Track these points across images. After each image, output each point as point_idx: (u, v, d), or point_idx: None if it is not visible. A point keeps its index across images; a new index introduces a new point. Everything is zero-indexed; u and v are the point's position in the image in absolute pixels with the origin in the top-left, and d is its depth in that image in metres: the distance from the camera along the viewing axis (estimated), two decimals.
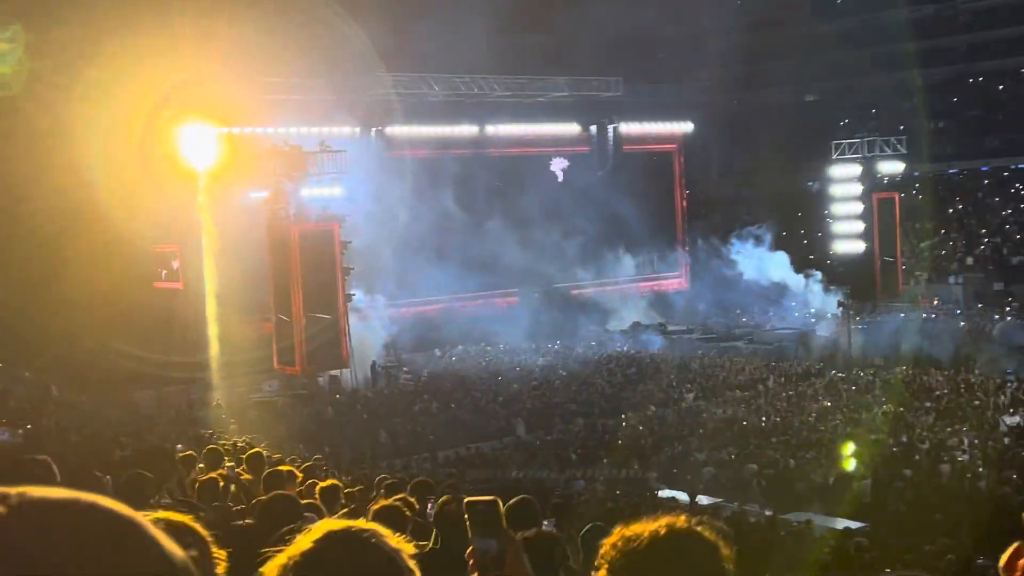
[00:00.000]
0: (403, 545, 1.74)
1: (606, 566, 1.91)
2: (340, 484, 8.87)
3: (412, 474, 18.40)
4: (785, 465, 24.16)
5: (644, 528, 1.91)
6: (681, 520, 1.92)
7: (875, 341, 42.30)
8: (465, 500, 3.35)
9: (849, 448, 22.62)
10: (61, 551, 1.07)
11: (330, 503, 7.04)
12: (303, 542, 1.71)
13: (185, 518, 2.19)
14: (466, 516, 3.06)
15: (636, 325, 49.63)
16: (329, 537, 1.71)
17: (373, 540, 1.70)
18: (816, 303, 51.67)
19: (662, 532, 1.88)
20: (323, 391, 37.33)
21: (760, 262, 54.28)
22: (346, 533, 1.71)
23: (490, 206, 47.56)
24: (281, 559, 1.72)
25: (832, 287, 52.42)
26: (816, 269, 56.02)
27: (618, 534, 1.94)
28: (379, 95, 46.25)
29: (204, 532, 2.09)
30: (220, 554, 2.08)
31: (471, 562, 2.86)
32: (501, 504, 3.30)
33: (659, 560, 1.86)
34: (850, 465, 22.10)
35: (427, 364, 43.03)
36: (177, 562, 1.18)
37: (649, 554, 1.87)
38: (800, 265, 55.33)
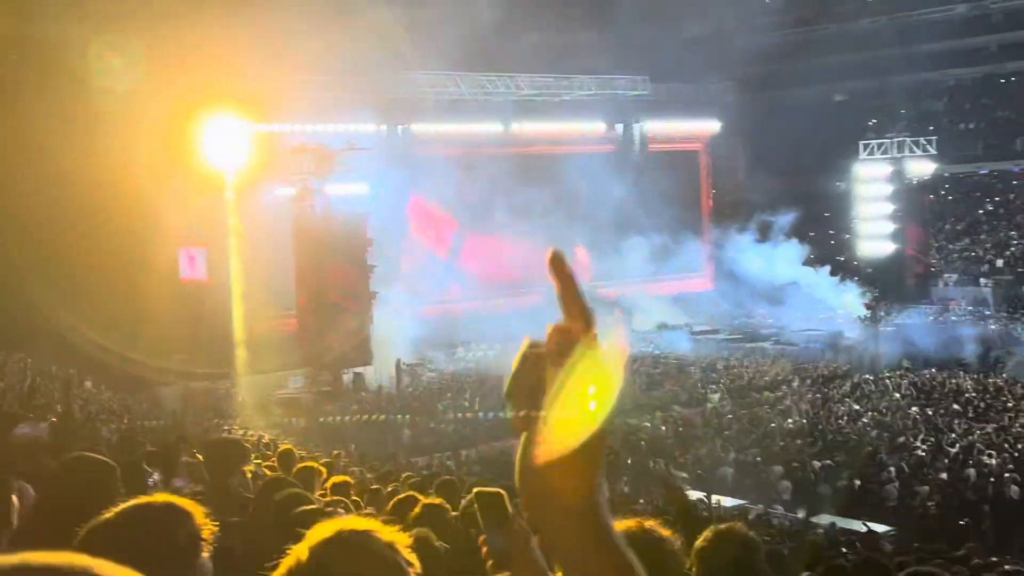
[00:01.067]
0: (397, 537, 1.75)
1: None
2: (351, 480, 8.88)
3: (435, 472, 18.41)
4: (811, 468, 24.00)
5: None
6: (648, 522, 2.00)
7: (903, 343, 41.98)
8: (473, 491, 3.33)
9: None
10: None
11: (339, 497, 7.06)
12: (301, 550, 1.72)
13: (187, 502, 2.31)
14: (475, 507, 3.04)
15: (661, 325, 49.47)
16: (327, 543, 1.71)
17: (367, 539, 1.72)
18: (828, 298, 51.31)
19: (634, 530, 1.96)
20: (348, 388, 37.43)
21: (770, 259, 53.86)
22: (339, 536, 1.72)
23: (516, 204, 47.48)
24: (288, 562, 1.72)
25: (846, 279, 52.19)
26: (842, 270, 55.68)
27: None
28: (405, 92, 46.31)
29: (197, 511, 2.23)
30: (210, 527, 2.21)
31: (484, 552, 2.84)
32: (507, 496, 3.28)
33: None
34: None
35: (451, 362, 43.07)
36: None
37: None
38: (826, 265, 54.94)
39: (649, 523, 2.05)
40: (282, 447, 10.46)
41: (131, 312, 35.03)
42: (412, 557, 1.76)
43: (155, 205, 34.88)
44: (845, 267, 57.15)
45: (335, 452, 19.05)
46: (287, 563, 1.72)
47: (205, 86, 37.61)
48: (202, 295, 39.16)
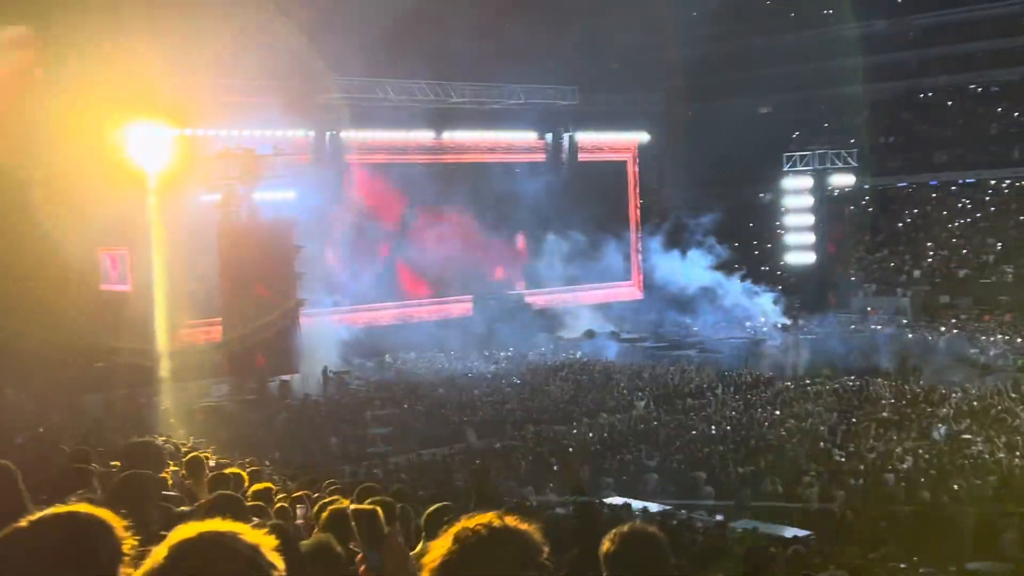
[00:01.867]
0: (263, 539, 1.75)
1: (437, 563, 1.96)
2: (274, 487, 8.83)
3: (360, 480, 18.30)
4: (734, 473, 24.34)
5: (471, 524, 1.97)
6: (504, 519, 1.99)
7: (823, 351, 42.78)
8: (350, 509, 3.36)
9: None
10: None
11: (262, 505, 7.01)
12: (159, 551, 1.71)
13: (99, 510, 2.13)
14: (353, 524, 3.07)
15: (588, 333, 49.79)
16: (183, 544, 1.71)
17: (227, 540, 1.71)
18: (748, 307, 52.20)
19: (472, 532, 1.95)
20: (273, 396, 37.05)
21: (695, 269, 54.56)
22: (199, 538, 1.71)
23: (444, 213, 47.52)
24: (141, 572, 1.71)
25: (767, 288, 53.18)
26: (765, 279, 56.64)
27: (452, 531, 1.99)
28: (333, 99, 46.04)
29: (117, 523, 2.05)
30: (130, 542, 2.05)
31: (361, 569, 2.86)
32: (381, 513, 3.32)
33: (480, 553, 1.91)
34: None
35: (378, 370, 42.89)
36: None
37: (471, 549, 1.93)
38: (748, 274, 55.82)
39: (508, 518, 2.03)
40: (190, 455, 10.30)
41: (50, 317, 34.29)
42: (277, 559, 1.75)
43: (74, 206, 34.16)
44: (768, 276, 58.09)
45: (248, 460, 18.84)
46: (147, 563, 1.70)
47: (126, 87, 36.99)
48: (123, 300, 38.49)
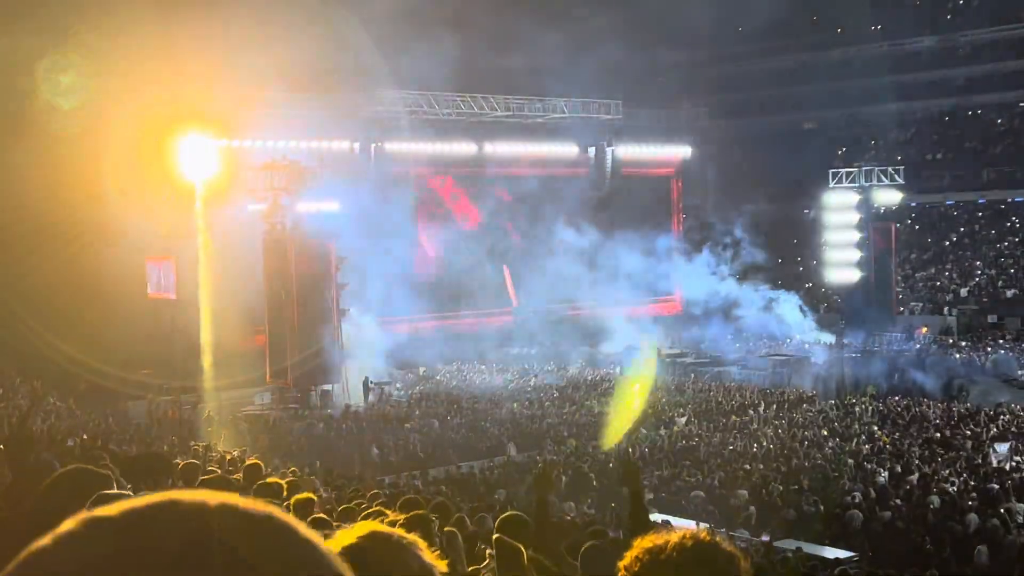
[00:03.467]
0: (438, 562, 1.79)
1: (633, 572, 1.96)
2: (315, 498, 8.85)
3: (401, 491, 18.34)
4: (775, 492, 24.11)
5: (667, 539, 1.97)
6: (703, 533, 1.97)
7: (869, 370, 42.34)
8: (495, 538, 3.38)
9: None
10: None
11: (302, 516, 7.02)
12: (347, 536, 1.75)
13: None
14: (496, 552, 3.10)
15: (629, 347, 49.61)
16: (373, 536, 1.75)
17: (412, 549, 1.75)
18: (792, 324, 51.87)
19: (687, 543, 1.92)
20: (315, 405, 37.25)
21: (738, 284, 54.36)
22: (389, 536, 1.76)
23: (488, 225, 47.64)
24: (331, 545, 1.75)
25: (812, 306, 52.83)
26: (809, 296, 56.24)
27: (640, 547, 1.97)
28: (378, 111, 46.35)
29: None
30: None
31: None
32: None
33: (683, 570, 1.89)
34: None
35: (420, 381, 43.00)
36: None
37: (672, 564, 1.90)
38: (792, 292, 55.47)
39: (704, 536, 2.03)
40: (249, 461, 10.39)
41: (98, 325, 34.80)
42: (440, 564, 1.80)
43: (122, 218, 34.66)
44: (812, 293, 57.65)
45: (292, 468, 18.94)
46: (332, 543, 1.74)
47: (174, 100, 37.50)
48: (170, 309, 38.96)
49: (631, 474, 5.20)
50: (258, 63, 38.30)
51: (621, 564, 1.99)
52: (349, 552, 1.73)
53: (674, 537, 1.95)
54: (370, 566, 1.71)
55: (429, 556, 1.77)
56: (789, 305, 53.53)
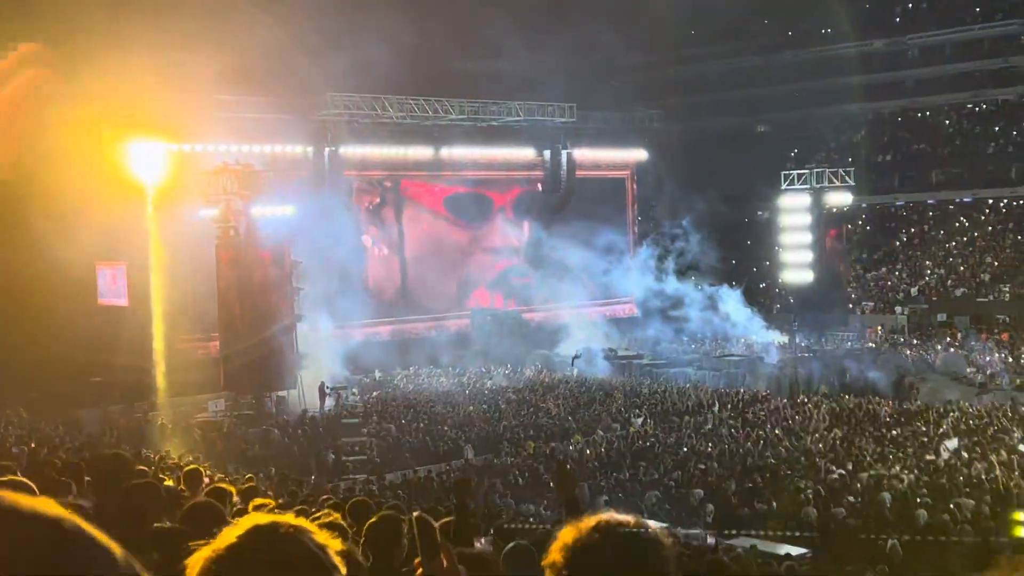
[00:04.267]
0: (330, 541, 1.75)
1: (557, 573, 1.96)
2: (272, 502, 8.79)
3: (357, 496, 18.26)
4: (730, 491, 24.31)
5: (581, 529, 1.96)
6: (616, 517, 1.96)
7: (821, 369, 42.80)
8: (415, 515, 3.38)
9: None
10: None
11: None
12: (229, 535, 1.71)
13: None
14: (415, 532, 3.10)
15: (586, 350, 49.77)
16: (256, 530, 1.71)
17: (299, 535, 1.71)
18: (744, 325, 52.37)
19: (603, 529, 1.92)
20: (270, 411, 36.98)
21: (694, 286, 54.84)
22: (272, 527, 1.71)
23: (444, 228, 47.59)
24: (206, 551, 1.71)
25: (766, 307, 53.42)
26: (764, 298, 56.80)
27: (561, 542, 1.96)
28: (332, 115, 46.15)
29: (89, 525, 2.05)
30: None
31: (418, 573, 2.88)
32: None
33: (609, 551, 1.89)
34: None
35: (376, 386, 42.85)
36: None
37: (596, 551, 1.91)
38: (751, 294, 55.96)
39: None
40: (189, 467, 10.27)
41: (47, 331, 34.31)
42: (340, 563, 1.76)
43: (72, 220, 34.19)
44: (765, 294, 58.18)
45: (247, 475, 18.78)
46: (214, 545, 1.72)
47: (126, 103, 37.08)
48: (121, 315, 38.48)
49: (564, 480, 5.19)
50: (210, 66, 37.98)
51: (545, 563, 1.98)
52: (233, 550, 1.70)
53: (588, 523, 1.95)
54: (256, 562, 1.68)
55: (322, 538, 1.75)
56: (732, 301, 53.97)
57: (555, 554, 1.96)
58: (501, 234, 51.13)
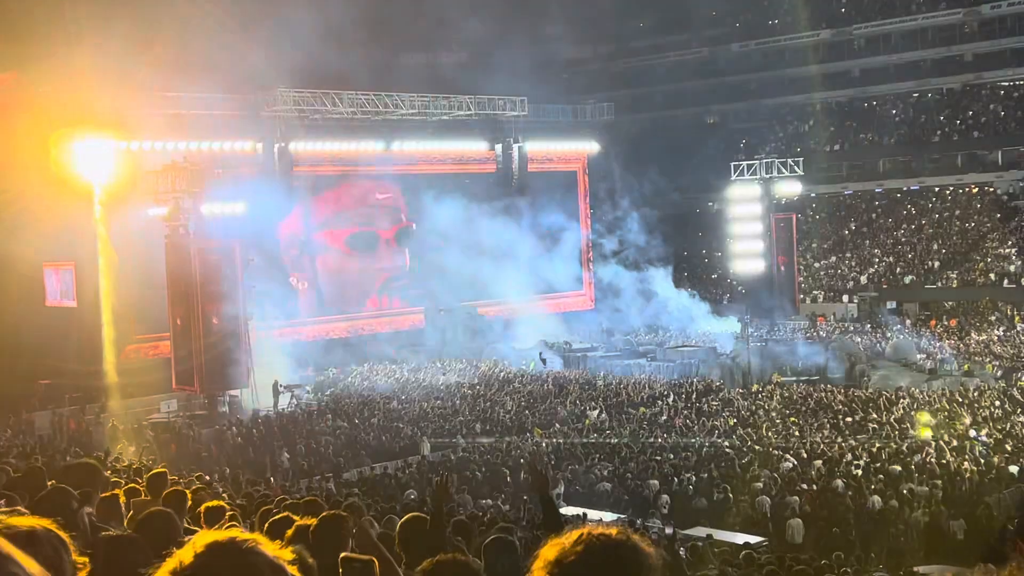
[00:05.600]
0: (283, 553, 1.77)
1: None
2: (226, 505, 8.70)
3: (313, 495, 18.14)
4: (686, 481, 24.48)
5: (565, 542, 1.95)
6: (604, 528, 1.96)
7: (773, 358, 43.22)
8: (341, 557, 3.41)
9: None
10: None
11: (213, 524, 6.88)
12: (186, 553, 1.72)
13: (45, 522, 2.08)
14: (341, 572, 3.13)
15: (541, 343, 49.87)
16: (212, 547, 1.72)
17: (255, 549, 1.73)
18: (693, 316, 52.87)
19: (584, 543, 1.93)
20: (222, 411, 36.66)
21: (645, 277, 55.25)
22: (229, 543, 1.72)
23: (396, 224, 47.41)
24: (164, 571, 1.71)
25: (715, 298, 53.98)
26: (717, 288, 57.26)
27: (544, 556, 1.95)
28: (281, 111, 45.77)
29: (65, 535, 2.03)
30: (81, 560, 2.03)
31: None
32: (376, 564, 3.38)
33: (592, 566, 1.89)
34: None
35: (330, 383, 42.63)
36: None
37: (581, 566, 1.91)
38: (703, 285, 56.39)
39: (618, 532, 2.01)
40: (154, 470, 10.17)
41: None
42: (295, 572, 1.78)
43: (18, 221, 33.65)
44: (717, 284, 58.65)
45: (196, 475, 18.59)
46: (169, 564, 1.71)
47: (70, 101, 36.53)
48: (69, 317, 37.95)
49: (540, 482, 5.25)
50: (157, 62, 37.52)
51: (533, 568, 1.97)
52: (191, 569, 1.69)
53: (571, 537, 1.94)
54: (216, 572, 1.69)
55: (274, 551, 1.76)
56: (660, 280, 54.44)
57: (539, 572, 1.93)
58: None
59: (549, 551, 1.95)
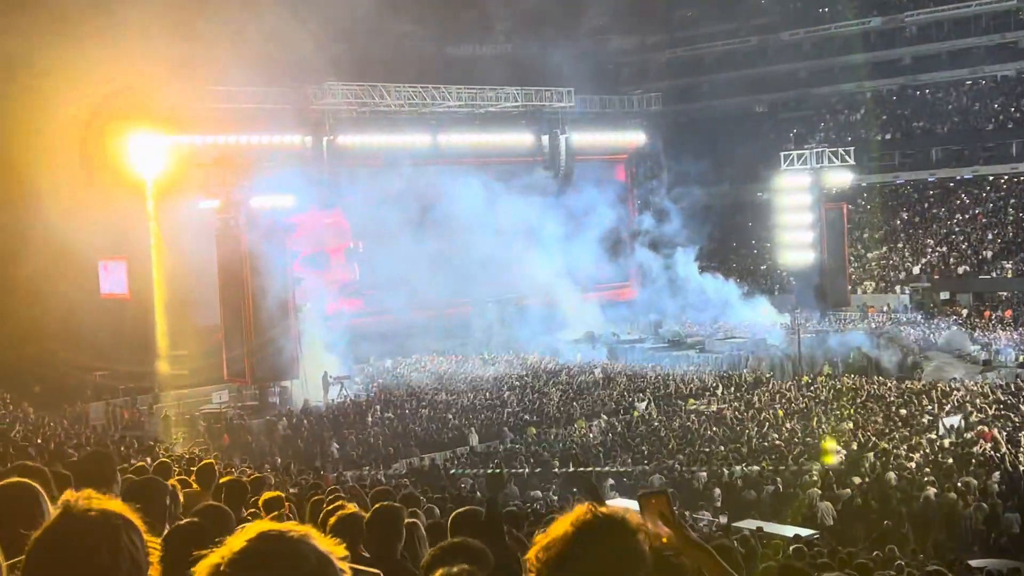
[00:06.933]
0: (334, 548, 1.79)
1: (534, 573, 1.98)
2: (283, 495, 8.79)
3: (365, 485, 18.25)
4: (735, 473, 24.32)
5: (556, 529, 1.99)
6: (584, 510, 1.99)
7: (824, 350, 42.79)
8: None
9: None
10: None
11: (271, 514, 6.95)
12: (236, 541, 1.74)
13: (122, 506, 2.09)
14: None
15: (588, 334, 49.79)
16: (262, 537, 1.74)
17: (305, 539, 1.75)
18: (743, 306, 52.42)
19: (571, 529, 1.95)
20: (273, 402, 37.02)
21: (692, 269, 54.90)
22: (279, 534, 1.75)
23: (443, 216, 47.47)
24: (214, 557, 1.74)
25: (767, 290, 53.53)
26: (764, 279, 56.79)
27: (538, 543, 1.99)
28: (330, 104, 46.04)
29: (138, 521, 2.06)
30: (154, 542, 2.06)
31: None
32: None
33: (578, 553, 1.92)
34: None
35: (379, 375, 42.85)
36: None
37: (569, 551, 1.94)
38: (752, 276, 55.93)
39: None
40: (202, 463, 10.28)
41: (50, 326, 34.36)
42: (345, 567, 1.79)
43: (73, 217, 34.19)
44: (767, 275, 58.13)
45: (246, 466, 18.76)
46: (220, 550, 1.74)
47: (123, 97, 37.02)
48: (123, 309, 38.51)
49: (588, 485, 5.27)
50: (208, 57, 37.87)
51: (526, 558, 2.02)
52: (240, 554, 1.72)
53: (561, 524, 1.99)
54: (265, 567, 1.71)
55: (325, 544, 1.78)
56: (686, 262, 54.11)
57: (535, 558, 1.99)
58: (503, 218, 50.62)
59: (541, 539, 2.01)
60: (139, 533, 2.01)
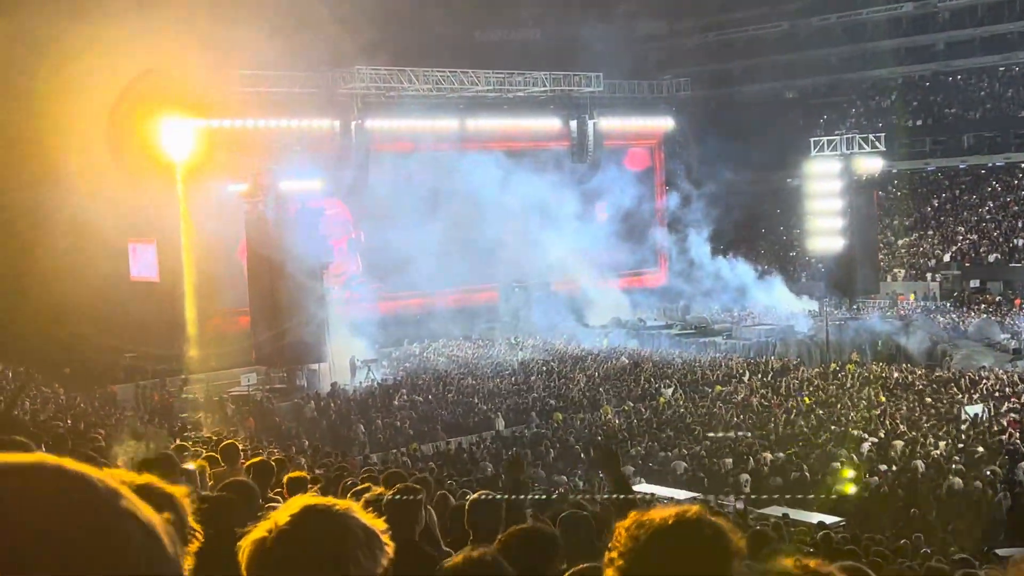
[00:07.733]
0: (377, 523, 1.79)
1: (619, 551, 1.94)
2: (307, 476, 8.87)
3: (388, 467, 18.35)
4: (762, 460, 24.27)
5: (651, 518, 1.94)
6: (690, 510, 1.94)
7: (853, 337, 42.53)
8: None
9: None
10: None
11: (295, 494, 7.02)
12: (281, 515, 1.75)
13: (172, 487, 2.09)
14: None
15: (615, 320, 49.72)
16: (308, 510, 1.75)
17: (349, 513, 1.75)
18: (767, 289, 52.17)
19: (670, 522, 1.89)
20: (301, 385, 37.22)
21: (722, 254, 54.72)
22: (324, 507, 1.75)
23: (470, 200, 47.46)
24: (259, 532, 1.75)
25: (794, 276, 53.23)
26: (794, 266, 56.50)
27: (631, 520, 1.96)
28: (358, 88, 46.10)
29: (185, 502, 2.05)
30: (196, 526, 2.06)
31: None
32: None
33: (670, 545, 1.88)
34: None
35: (406, 359, 42.98)
36: (133, 517, 1.12)
37: (660, 540, 1.91)
38: (781, 262, 55.64)
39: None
40: (225, 443, 10.38)
41: (80, 308, 34.65)
42: (388, 540, 1.80)
43: (102, 199, 34.43)
44: (795, 262, 57.82)
45: (273, 449, 18.90)
46: (265, 524, 1.75)
47: (154, 81, 37.20)
48: (152, 291, 38.80)
49: (609, 460, 5.17)
50: (236, 42, 37.99)
51: (610, 544, 1.95)
52: (287, 530, 1.72)
53: (657, 516, 1.94)
54: (311, 541, 1.71)
55: (368, 518, 1.78)
56: (698, 243, 53.88)
57: (618, 541, 1.93)
58: (529, 203, 50.56)
59: (630, 522, 1.94)
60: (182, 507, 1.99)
